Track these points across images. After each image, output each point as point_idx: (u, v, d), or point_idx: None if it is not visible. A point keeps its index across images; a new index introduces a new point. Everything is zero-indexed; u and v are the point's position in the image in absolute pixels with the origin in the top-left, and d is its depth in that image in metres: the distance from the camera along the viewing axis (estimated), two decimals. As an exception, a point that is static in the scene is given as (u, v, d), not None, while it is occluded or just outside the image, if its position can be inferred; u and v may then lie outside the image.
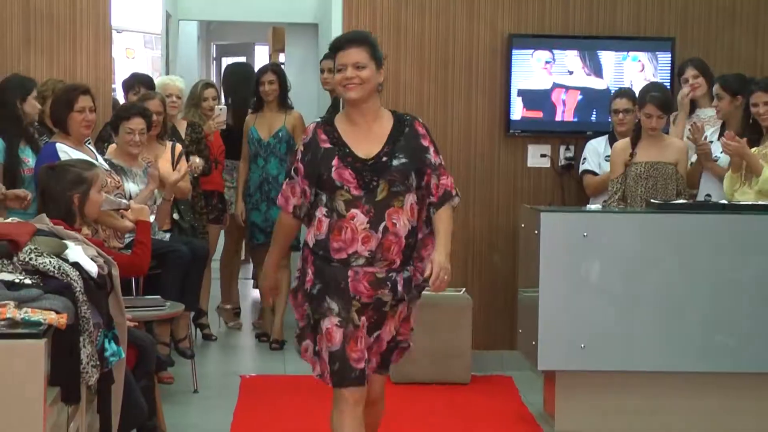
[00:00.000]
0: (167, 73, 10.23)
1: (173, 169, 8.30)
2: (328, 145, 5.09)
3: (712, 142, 7.80)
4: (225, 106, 9.91)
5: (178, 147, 8.56)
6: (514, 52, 8.63)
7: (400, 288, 5.07)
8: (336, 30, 8.98)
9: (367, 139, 5.11)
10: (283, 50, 11.89)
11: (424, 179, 5.10)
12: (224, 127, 9.71)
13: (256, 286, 11.19)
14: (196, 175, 8.92)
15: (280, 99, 9.33)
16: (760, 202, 7.17)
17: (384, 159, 5.03)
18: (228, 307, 10.47)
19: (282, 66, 9.49)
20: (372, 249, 4.97)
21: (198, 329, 9.63)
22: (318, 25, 11.46)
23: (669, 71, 8.67)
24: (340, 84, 5.07)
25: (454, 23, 8.61)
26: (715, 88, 7.85)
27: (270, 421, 7.29)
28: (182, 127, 9.18)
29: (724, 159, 7.62)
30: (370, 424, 5.42)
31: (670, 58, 8.72)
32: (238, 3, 11.46)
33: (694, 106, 8.26)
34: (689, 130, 7.99)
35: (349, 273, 5.01)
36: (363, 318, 5.04)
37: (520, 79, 8.67)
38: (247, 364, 9.16)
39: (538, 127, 8.79)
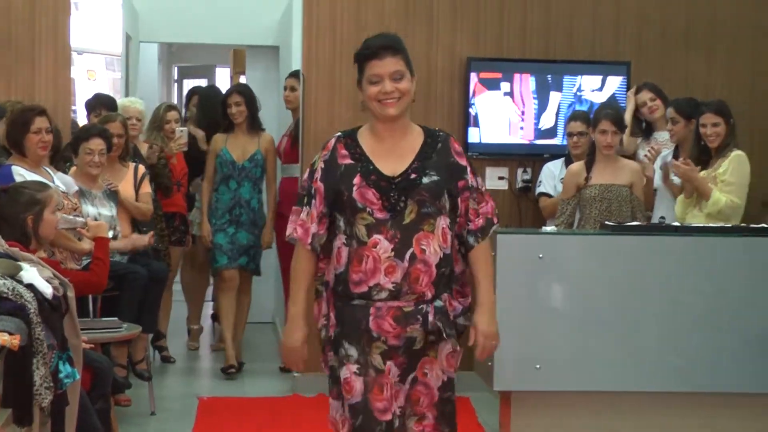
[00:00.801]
0: (127, 95, 10.24)
1: (135, 191, 8.33)
2: (348, 161, 4.42)
3: (667, 162, 7.88)
4: (185, 128, 9.93)
5: (141, 168, 8.56)
6: (472, 75, 8.68)
7: (431, 318, 4.36)
8: (296, 53, 9.02)
9: (394, 155, 4.43)
10: (244, 72, 11.93)
11: (460, 204, 4.46)
12: (185, 149, 9.73)
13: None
14: (153, 163, 9.06)
15: (250, 120, 9.26)
16: (711, 225, 7.26)
17: (413, 176, 4.35)
18: (196, 327, 10.54)
19: (247, 87, 9.43)
20: (397, 281, 4.29)
21: (157, 351, 9.62)
22: (279, 47, 11.49)
23: (624, 95, 8.74)
24: (375, 99, 4.38)
25: (412, 47, 8.47)
26: (669, 111, 7.93)
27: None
28: (143, 149, 9.19)
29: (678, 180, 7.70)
30: None
31: (625, 82, 8.80)
32: (199, 25, 11.47)
33: (651, 129, 8.36)
34: (649, 150, 8.11)
35: (371, 310, 4.34)
36: (390, 363, 4.37)
37: (478, 102, 8.71)
38: (205, 386, 9.13)
39: (496, 150, 8.84)
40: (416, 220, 4.33)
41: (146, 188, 8.51)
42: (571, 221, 7.68)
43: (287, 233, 4.53)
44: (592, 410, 6.88)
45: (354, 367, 4.37)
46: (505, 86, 8.72)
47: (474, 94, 8.70)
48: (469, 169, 4.51)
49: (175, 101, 15.08)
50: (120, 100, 9.48)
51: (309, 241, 4.43)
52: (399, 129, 4.47)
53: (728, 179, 7.41)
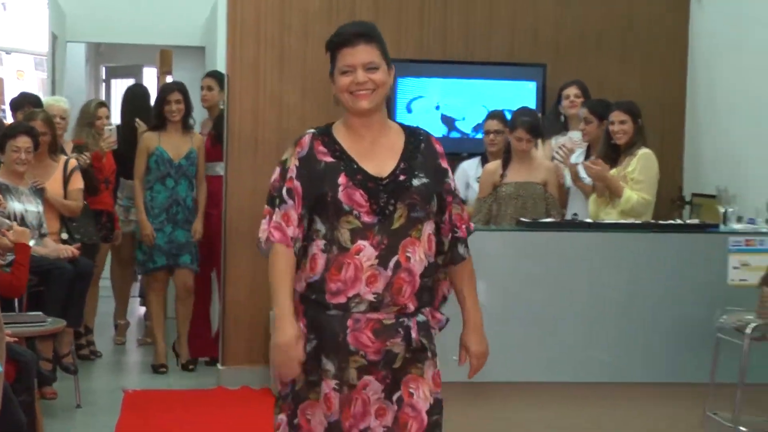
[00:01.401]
0: (54, 95, 10.24)
1: (64, 186, 8.36)
2: (329, 159, 3.95)
3: (578, 164, 8.00)
4: (115, 127, 9.96)
5: (72, 162, 8.55)
6: (401, 77, 8.60)
7: (414, 335, 3.91)
8: (221, 53, 9.05)
9: (377, 154, 3.99)
10: (170, 72, 11.95)
11: (446, 209, 4.05)
12: (115, 146, 9.77)
13: (143, 304, 11.29)
14: (84, 167, 8.96)
15: (185, 119, 9.20)
16: (623, 221, 7.40)
17: (402, 177, 3.92)
18: (122, 322, 10.53)
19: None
20: (378, 291, 3.83)
21: (87, 343, 9.63)
22: (204, 48, 11.54)
23: (541, 97, 8.87)
24: (347, 90, 3.93)
25: (335, 48, 8.73)
26: (583, 111, 8.05)
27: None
28: (69, 148, 9.17)
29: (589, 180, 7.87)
30: None
31: (541, 84, 8.90)
32: (126, 25, 11.47)
33: (567, 126, 8.51)
34: (559, 149, 8.27)
35: (348, 322, 3.87)
36: (369, 378, 3.90)
37: (400, 102, 8.76)
38: (131, 380, 9.10)
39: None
40: (405, 225, 3.88)
41: (76, 184, 8.50)
42: (488, 219, 7.67)
43: (260, 237, 4.05)
44: (512, 401, 6.96)
45: (333, 383, 3.90)
46: (425, 87, 8.80)
47: (395, 94, 8.70)
48: (449, 171, 4.13)
49: (111, 99, 15.12)
50: (44, 99, 9.47)
51: (290, 243, 3.93)
52: (376, 125, 4.04)
53: (637, 177, 7.54)
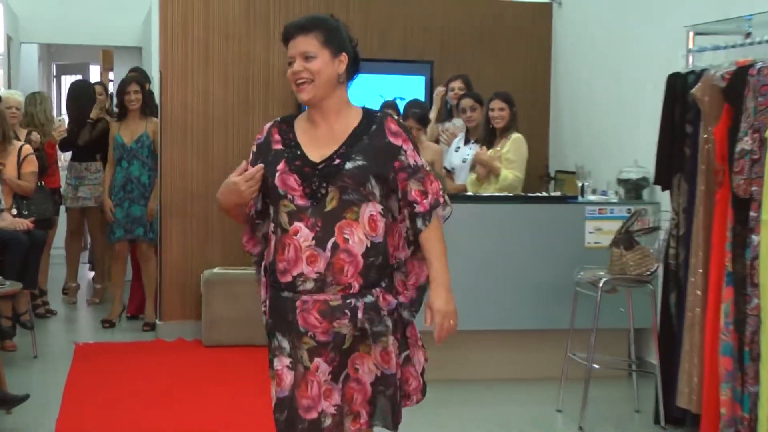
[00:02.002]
0: (9, 89, 10.13)
1: (17, 167, 8.29)
2: (279, 147, 3.71)
3: (459, 147, 8.12)
4: (64, 117, 9.92)
5: (26, 149, 8.44)
6: None
7: (359, 316, 3.59)
8: (155, 53, 9.01)
9: (326, 140, 3.68)
10: (112, 69, 11.81)
11: (400, 186, 3.65)
12: (66, 135, 9.76)
13: (91, 269, 11.25)
14: (37, 147, 8.92)
15: (143, 107, 9.00)
16: (499, 194, 7.51)
17: (336, 162, 3.59)
18: (73, 284, 10.45)
19: (144, 77, 9.35)
20: (320, 270, 3.54)
21: (42, 303, 9.55)
22: (142, 48, 11.48)
23: (429, 89, 8.87)
24: (292, 81, 3.66)
25: (254, 47, 8.66)
26: (468, 101, 8.06)
27: (100, 379, 7.28)
28: (22, 135, 9.03)
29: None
30: None
31: (429, 78, 8.91)
32: (74, 27, 11.37)
33: (451, 114, 8.56)
34: (442, 133, 8.36)
35: (297, 303, 3.60)
36: (319, 360, 3.62)
37: None
38: (82, 334, 9.04)
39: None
40: (338, 208, 3.56)
41: (29, 167, 8.42)
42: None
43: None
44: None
45: (287, 361, 3.65)
46: None
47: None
48: (409, 148, 3.66)
49: (53, 95, 14.97)
50: (2, 93, 9.41)
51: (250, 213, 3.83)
52: (331, 112, 3.69)
53: (511, 157, 7.61)
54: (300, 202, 3.59)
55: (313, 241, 3.55)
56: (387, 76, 8.92)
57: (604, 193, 7.56)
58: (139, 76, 9.21)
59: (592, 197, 7.56)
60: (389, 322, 3.65)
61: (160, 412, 6.48)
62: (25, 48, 12.56)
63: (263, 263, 3.85)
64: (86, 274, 11.47)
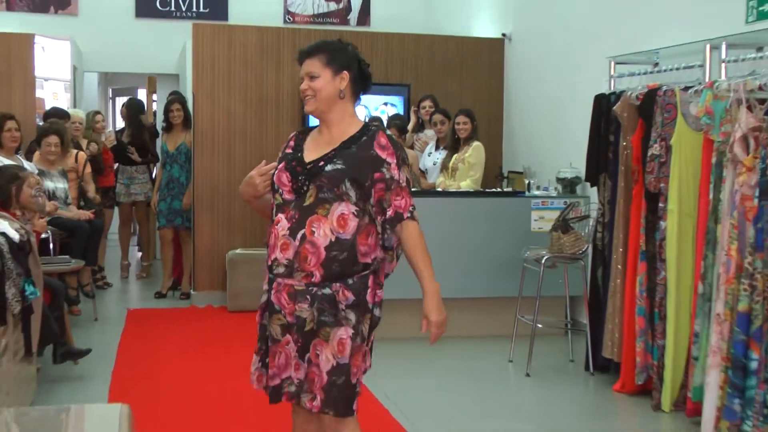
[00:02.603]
0: (75, 107, 10.09)
1: (80, 170, 8.30)
2: (289, 151, 3.50)
3: (431, 153, 8.10)
4: (113, 130, 9.97)
5: (81, 155, 8.42)
6: None
7: (316, 304, 3.29)
8: (189, 79, 8.97)
9: (323, 145, 3.44)
10: (155, 92, 11.77)
11: (373, 194, 3.32)
12: (115, 143, 9.78)
13: (139, 251, 11.22)
14: (94, 154, 9.01)
15: (184, 121, 8.93)
16: (464, 190, 7.52)
17: (321, 164, 3.34)
18: (126, 263, 10.44)
19: (182, 98, 9.26)
20: (290, 258, 3.29)
21: (101, 277, 9.54)
22: (179, 75, 11.44)
23: (406, 106, 8.85)
24: (301, 95, 3.48)
25: (267, 74, 8.64)
26: (438, 116, 8.06)
27: (146, 337, 7.28)
28: (84, 144, 9.04)
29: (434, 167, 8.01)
30: None
31: (407, 98, 8.89)
32: (125, 59, 11.28)
33: (423, 127, 8.55)
34: (416, 142, 8.37)
35: (274, 285, 3.37)
36: (288, 336, 3.35)
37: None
38: (132, 302, 9.04)
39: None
40: (313, 204, 3.29)
41: (88, 170, 8.46)
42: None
43: None
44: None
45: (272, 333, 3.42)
46: None
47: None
48: (393, 162, 3.33)
49: (109, 112, 14.96)
50: (71, 111, 9.38)
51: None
52: (333, 123, 3.43)
53: (471, 161, 7.62)
54: (287, 196, 3.35)
55: (288, 231, 3.30)
56: (374, 96, 8.84)
57: (546, 189, 7.54)
58: (180, 97, 9.20)
59: (536, 192, 7.54)
60: (351, 316, 3.30)
61: (193, 363, 6.50)
62: (88, 76, 12.48)
63: None
64: (135, 254, 11.43)
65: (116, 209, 10.14)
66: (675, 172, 5.36)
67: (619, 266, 5.95)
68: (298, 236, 3.27)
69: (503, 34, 9.17)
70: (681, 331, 5.37)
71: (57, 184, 7.94)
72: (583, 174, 6.56)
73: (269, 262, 3.37)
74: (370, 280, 3.37)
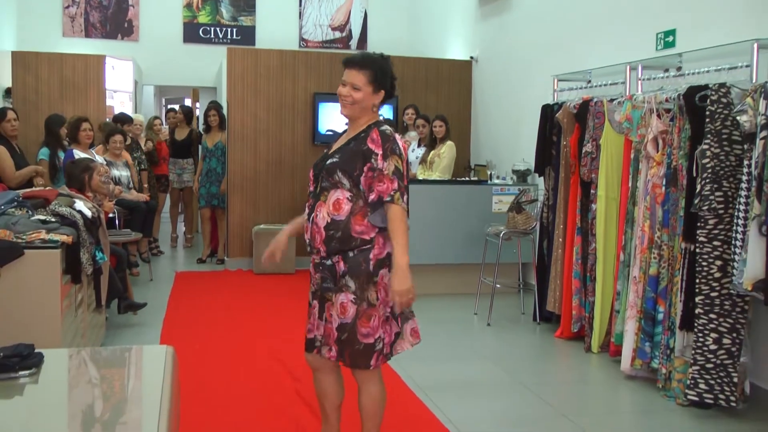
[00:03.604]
0: (136, 113, 10.11)
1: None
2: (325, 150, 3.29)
3: (414, 149, 8.04)
4: (166, 126, 10.02)
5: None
6: (319, 102, 8.61)
7: (322, 273, 3.17)
8: (224, 90, 8.97)
9: (341, 143, 3.21)
10: (198, 101, 11.82)
11: (363, 182, 3.08)
12: (167, 138, 9.79)
13: (185, 225, 11.21)
14: (150, 150, 9.13)
15: (220, 124, 8.85)
16: (438, 179, 7.48)
17: (328, 160, 3.16)
18: (174, 236, 10.45)
19: (218, 106, 9.16)
20: (309, 237, 3.16)
21: (155, 246, 9.54)
22: (216, 87, 11.43)
23: (395, 113, 8.77)
24: (339, 95, 3.18)
25: (284, 85, 8.63)
26: (420, 121, 8.05)
27: (190, 294, 7.27)
28: (143, 143, 9.06)
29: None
30: (364, 405, 3.28)
31: (395, 106, 8.80)
32: (175, 74, 11.29)
33: (406, 129, 8.55)
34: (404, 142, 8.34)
35: (311, 258, 3.22)
36: (315, 301, 3.21)
37: (322, 117, 8.63)
38: (180, 266, 9.01)
39: (331, 139, 8.65)
40: (319, 192, 3.12)
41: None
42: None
43: None
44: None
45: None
46: (334, 106, 8.69)
47: (317, 110, 8.61)
48: (380, 154, 3.04)
49: (163, 116, 14.93)
50: (134, 115, 9.40)
51: None
52: (356, 125, 3.17)
53: (445, 156, 7.60)
54: (311, 188, 3.18)
55: (307, 216, 3.17)
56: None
57: (504, 178, 7.54)
58: (216, 105, 9.19)
59: (496, 181, 7.53)
60: (351, 283, 3.07)
61: (227, 314, 6.50)
62: (146, 88, 12.48)
63: None
64: (182, 229, 11.45)
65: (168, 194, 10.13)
66: (603, 165, 5.38)
67: (560, 239, 5.98)
68: (311, 219, 3.12)
69: (471, 57, 9.14)
70: (606, 290, 5.41)
71: (121, 173, 7.91)
72: (533, 167, 6.56)
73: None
74: (371, 254, 3.08)
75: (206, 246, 9.22)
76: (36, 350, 2.14)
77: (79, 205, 4.90)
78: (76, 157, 6.77)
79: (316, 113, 8.66)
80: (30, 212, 4.45)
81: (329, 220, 3.08)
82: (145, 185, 8.67)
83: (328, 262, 3.12)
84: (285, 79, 8.65)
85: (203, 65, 11.25)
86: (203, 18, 11.34)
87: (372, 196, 3.06)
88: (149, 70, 11.26)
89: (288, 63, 8.69)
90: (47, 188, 5.50)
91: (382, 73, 3.14)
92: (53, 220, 4.47)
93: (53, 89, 8.90)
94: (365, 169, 3.06)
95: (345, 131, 3.27)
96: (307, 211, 3.17)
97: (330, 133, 8.25)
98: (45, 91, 8.87)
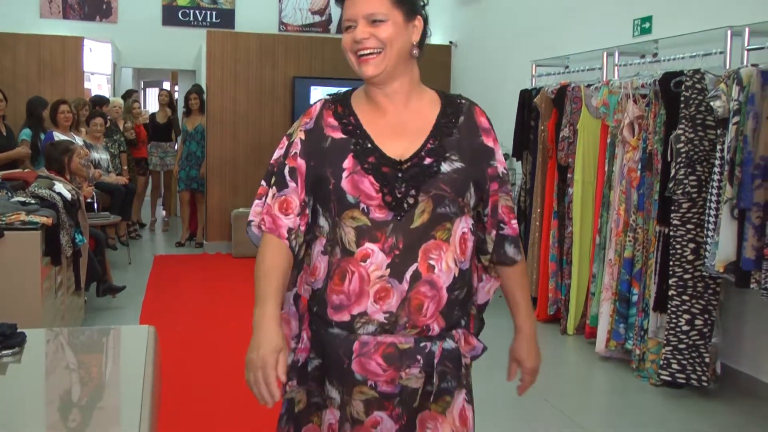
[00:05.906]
0: (115, 96, 10.04)
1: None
2: (339, 135, 1.74)
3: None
4: (147, 109, 9.96)
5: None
6: (296, 86, 8.58)
7: (435, 366, 1.74)
8: (204, 74, 8.91)
9: (402, 130, 1.75)
10: (177, 84, 11.74)
11: (490, 199, 1.80)
12: (147, 121, 9.74)
13: (164, 209, 11.19)
14: (128, 131, 9.09)
15: (200, 107, 8.79)
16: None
17: (428, 161, 1.70)
18: (153, 219, 10.38)
19: (199, 89, 9.07)
20: (392, 310, 1.68)
21: (134, 230, 9.48)
22: (195, 71, 11.36)
23: None
24: (351, 51, 1.74)
25: (264, 70, 8.60)
26: None
27: (169, 277, 7.27)
28: (122, 125, 9.02)
29: None
30: None
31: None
32: (154, 57, 11.20)
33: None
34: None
35: (355, 345, 1.72)
36: (381, 414, 1.74)
37: (299, 100, 8.50)
38: (158, 249, 8.97)
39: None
40: (428, 224, 1.69)
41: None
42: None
43: (251, 220, 1.81)
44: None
45: (338, 414, 1.77)
46: (315, 91, 8.59)
47: (296, 94, 8.56)
48: (497, 150, 1.83)
49: (141, 100, 14.82)
50: (111, 98, 9.34)
51: (284, 234, 1.75)
52: (402, 94, 1.79)
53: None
54: (378, 214, 1.68)
55: (387, 270, 1.68)
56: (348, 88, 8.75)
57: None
58: (198, 88, 9.15)
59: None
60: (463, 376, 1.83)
61: (206, 297, 6.53)
62: (124, 70, 12.35)
63: (294, 290, 1.85)
64: (161, 212, 11.40)
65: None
66: (580, 149, 5.43)
67: (537, 223, 6.03)
68: (407, 276, 1.69)
69: (451, 42, 9.16)
70: (582, 273, 5.46)
71: (101, 155, 7.89)
72: (511, 151, 6.61)
73: (345, 318, 1.73)
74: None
75: (185, 229, 9.20)
76: (18, 330, 2.15)
77: (59, 187, 4.89)
78: (56, 138, 6.73)
79: (294, 97, 8.64)
80: (9, 194, 4.44)
81: (456, 273, 1.75)
82: (125, 167, 8.64)
83: (447, 344, 1.79)
84: (264, 63, 8.62)
85: (182, 48, 11.16)
86: (182, 0, 11.25)
87: (508, 230, 1.88)
88: (128, 53, 11.16)
89: (267, 47, 8.64)
90: (26, 170, 5.48)
91: None
92: (33, 201, 4.45)
93: (31, 71, 8.81)
94: (489, 176, 1.82)
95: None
96: (384, 260, 1.69)
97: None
98: (22, 73, 8.78)
